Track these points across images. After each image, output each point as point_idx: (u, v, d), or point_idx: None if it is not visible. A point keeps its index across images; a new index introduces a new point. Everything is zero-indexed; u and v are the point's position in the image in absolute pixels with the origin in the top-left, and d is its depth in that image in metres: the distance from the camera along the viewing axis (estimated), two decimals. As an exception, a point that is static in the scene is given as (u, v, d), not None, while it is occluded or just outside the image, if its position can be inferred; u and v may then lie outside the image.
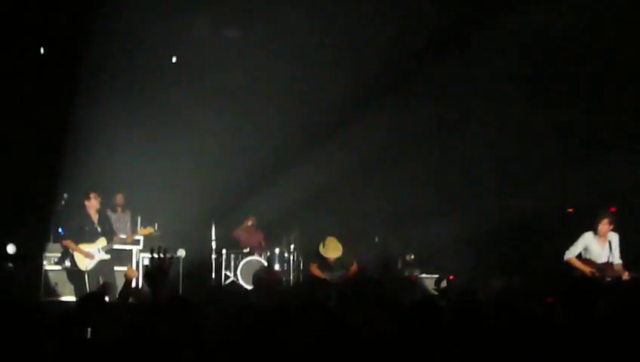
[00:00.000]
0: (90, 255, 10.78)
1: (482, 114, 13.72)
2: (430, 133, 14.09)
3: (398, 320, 4.77)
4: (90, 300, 5.46)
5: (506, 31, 12.14)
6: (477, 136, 13.69)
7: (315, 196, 13.99)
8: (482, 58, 12.94)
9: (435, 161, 14.02)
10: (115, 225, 12.45)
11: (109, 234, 11.07)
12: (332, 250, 11.15)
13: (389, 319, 4.83)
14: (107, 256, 10.89)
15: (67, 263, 11.16)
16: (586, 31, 12.19)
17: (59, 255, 11.91)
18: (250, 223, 13.86)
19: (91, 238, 10.84)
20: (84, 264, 10.75)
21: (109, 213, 12.89)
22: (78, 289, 10.77)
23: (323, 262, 11.29)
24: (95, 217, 10.96)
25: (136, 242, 12.38)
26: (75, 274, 10.97)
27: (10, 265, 12.10)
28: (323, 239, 11.36)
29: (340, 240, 11.46)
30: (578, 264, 10.08)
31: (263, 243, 13.82)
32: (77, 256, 10.76)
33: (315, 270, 11.49)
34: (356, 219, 13.65)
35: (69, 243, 10.83)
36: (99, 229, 10.94)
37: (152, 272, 5.66)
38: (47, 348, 4.22)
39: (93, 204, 10.96)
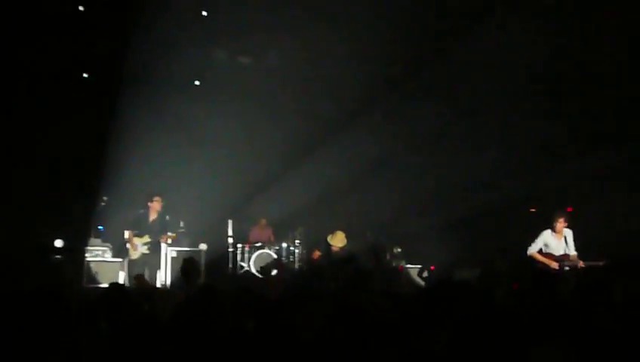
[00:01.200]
0: (135, 246, 11.53)
1: (459, 128, 14.19)
2: (414, 146, 14.54)
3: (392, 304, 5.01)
4: (115, 289, 5.69)
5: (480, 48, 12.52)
6: (455, 147, 14.18)
7: (317, 198, 14.42)
8: (469, 73, 13.36)
9: (420, 169, 14.37)
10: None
11: (157, 233, 11.63)
12: (339, 240, 11.77)
13: (385, 303, 5.09)
14: (147, 251, 11.58)
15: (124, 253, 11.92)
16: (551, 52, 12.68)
17: (100, 248, 12.70)
18: (263, 222, 14.42)
19: (141, 233, 11.55)
20: (132, 253, 11.58)
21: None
22: (131, 275, 11.29)
23: (328, 251, 11.90)
24: (152, 217, 11.61)
25: None
26: (129, 263, 11.79)
27: (59, 257, 12.63)
28: (332, 231, 11.96)
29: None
30: (540, 258, 10.80)
31: (272, 238, 14.34)
32: (130, 246, 11.56)
33: (317, 256, 12.17)
34: (352, 217, 13.91)
35: (129, 233, 11.57)
36: (150, 227, 11.56)
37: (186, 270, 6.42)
38: (103, 326, 4.58)
39: (155, 206, 11.61)
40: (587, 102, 12.80)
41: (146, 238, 11.52)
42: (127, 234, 11.57)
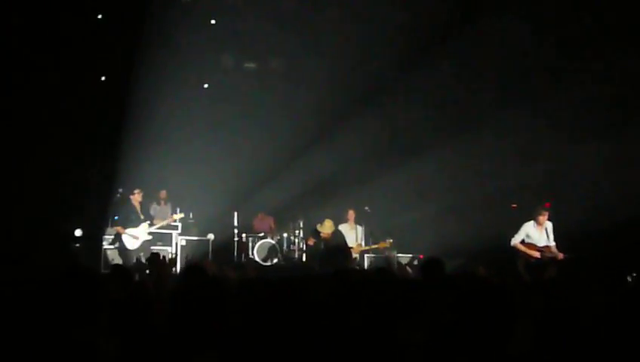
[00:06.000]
0: (135, 236, 11.73)
1: (450, 124, 14.04)
2: (407, 141, 14.46)
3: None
4: (117, 270, 5.81)
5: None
6: (444, 143, 13.85)
7: (315, 192, 14.44)
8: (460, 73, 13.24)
9: (413, 163, 14.01)
10: (159, 215, 13.17)
11: (149, 220, 11.99)
12: (327, 227, 11.86)
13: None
14: (149, 237, 11.88)
15: (117, 244, 12.01)
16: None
17: (113, 237, 12.63)
18: (260, 216, 14.37)
19: (136, 224, 11.79)
20: (131, 244, 11.77)
21: (154, 204, 13.64)
22: (127, 264, 11.47)
23: (318, 238, 12.05)
24: (138, 208, 11.96)
25: (175, 227, 13.01)
26: (124, 252, 11.86)
27: (77, 245, 12.79)
28: (321, 221, 12.06)
29: (336, 223, 12.18)
30: (522, 248, 10.83)
31: (273, 226, 14.36)
32: (125, 238, 11.78)
33: (311, 241, 12.34)
34: (348, 208, 13.52)
35: (119, 228, 11.86)
36: (141, 217, 11.89)
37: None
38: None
39: (136, 198, 11.97)
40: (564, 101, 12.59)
41: (145, 226, 11.80)
42: (118, 229, 11.81)
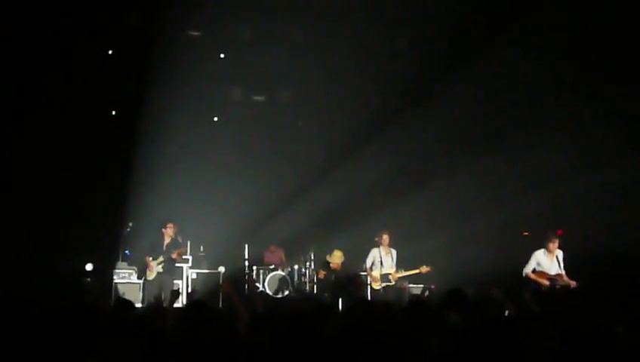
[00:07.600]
0: (151, 268, 11.59)
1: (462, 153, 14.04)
2: (420, 168, 14.42)
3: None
4: (122, 305, 5.70)
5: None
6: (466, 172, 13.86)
7: (325, 224, 14.43)
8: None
9: (423, 192, 14.01)
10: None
11: (168, 255, 11.66)
12: (336, 257, 11.78)
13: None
14: (161, 270, 11.55)
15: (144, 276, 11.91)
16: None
17: (127, 271, 12.61)
18: (272, 248, 14.35)
19: (156, 256, 11.63)
20: (149, 275, 11.63)
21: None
22: (148, 296, 11.40)
23: (328, 269, 11.91)
24: (166, 241, 11.75)
25: (185, 260, 12.89)
26: (144, 283, 11.83)
27: (89, 279, 12.68)
28: (331, 252, 12.00)
29: (345, 254, 12.10)
30: (534, 277, 10.71)
31: (284, 258, 14.28)
32: (148, 268, 11.65)
33: (322, 275, 12.17)
34: (358, 241, 13.52)
35: (146, 258, 11.66)
36: (164, 250, 11.68)
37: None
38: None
39: (168, 232, 11.76)
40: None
41: (160, 259, 11.65)
42: (145, 259, 11.70)
